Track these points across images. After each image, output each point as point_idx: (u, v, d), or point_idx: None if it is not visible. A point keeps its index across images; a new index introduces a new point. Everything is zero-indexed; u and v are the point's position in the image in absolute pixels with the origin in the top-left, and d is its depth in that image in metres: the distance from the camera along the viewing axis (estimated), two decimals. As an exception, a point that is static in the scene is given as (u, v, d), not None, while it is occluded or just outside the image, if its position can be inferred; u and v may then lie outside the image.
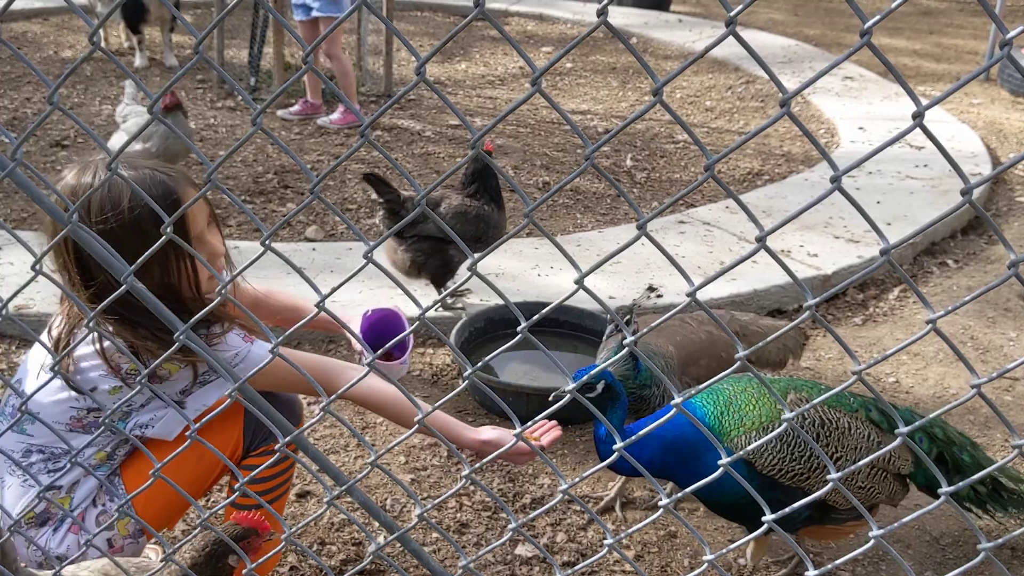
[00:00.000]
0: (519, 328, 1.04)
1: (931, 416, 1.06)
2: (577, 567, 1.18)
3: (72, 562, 1.61)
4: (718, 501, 2.24)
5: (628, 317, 2.72)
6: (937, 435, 2.44)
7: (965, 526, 2.77)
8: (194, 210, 1.84)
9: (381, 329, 2.46)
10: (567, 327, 3.66)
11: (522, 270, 4.17)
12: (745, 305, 3.92)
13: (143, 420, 1.91)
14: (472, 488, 2.87)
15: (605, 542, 1.11)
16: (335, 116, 6.22)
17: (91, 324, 1.09)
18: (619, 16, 9.87)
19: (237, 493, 1.31)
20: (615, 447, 1.06)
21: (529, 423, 1.24)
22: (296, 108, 6.28)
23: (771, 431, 2.14)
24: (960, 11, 11.53)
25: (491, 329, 3.59)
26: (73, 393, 1.84)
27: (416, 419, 1.14)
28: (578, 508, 2.82)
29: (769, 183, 5.53)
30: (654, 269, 4.18)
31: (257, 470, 1.30)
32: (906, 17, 10.70)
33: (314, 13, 5.93)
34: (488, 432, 2.13)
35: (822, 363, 3.72)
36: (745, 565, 2.57)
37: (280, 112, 6.29)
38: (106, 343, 1.78)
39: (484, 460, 1.27)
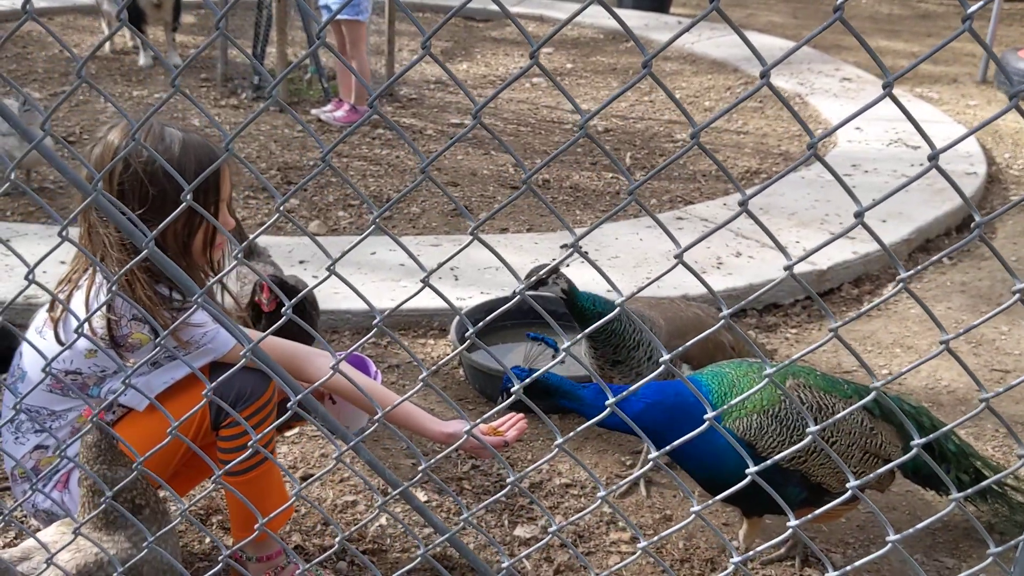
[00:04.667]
0: (517, 289, 1.10)
1: (943, 429, 1.14)
2: (572, 518, 1.24)
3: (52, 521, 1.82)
4: (715, 479, 2.30)
5: (554, 276, 2.71)
6: (924, 424, 2.52)
7: (953, 511, 2.83)
8: (228, 177, 2.01)
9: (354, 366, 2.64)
10: (565, 319, 3.72)
11: (522, 264, 4.23)
12: (741, 300, 3.99)
13: (116, 387, 2.00)
14: (472, 472, 2.93)
15: (598, 495, 1.17)
16: (340, 114, 6.30)
17: (113, 288, 1.16)
18: (619, 18, 9.94)
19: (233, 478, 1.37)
20: (607, 402, 1.12)
21: (496, 411, 1.31)
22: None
23: (772, 415, 2.22)
24: (958, 15, 11.60)
25: (491, 321, 3.65)
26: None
27: (398, 406, 1.20)
28: (576, 492, 2.88)
29: (767, 181, 5.60)
30: (652, 264, 4.25)
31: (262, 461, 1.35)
32: (904, 20, 10.79)
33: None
34: (455, 425, 2.20)
35: (816, 355, 3.79)
36: (738, 547, 2.63)
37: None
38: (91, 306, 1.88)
39: (449, 449, 1.34)
